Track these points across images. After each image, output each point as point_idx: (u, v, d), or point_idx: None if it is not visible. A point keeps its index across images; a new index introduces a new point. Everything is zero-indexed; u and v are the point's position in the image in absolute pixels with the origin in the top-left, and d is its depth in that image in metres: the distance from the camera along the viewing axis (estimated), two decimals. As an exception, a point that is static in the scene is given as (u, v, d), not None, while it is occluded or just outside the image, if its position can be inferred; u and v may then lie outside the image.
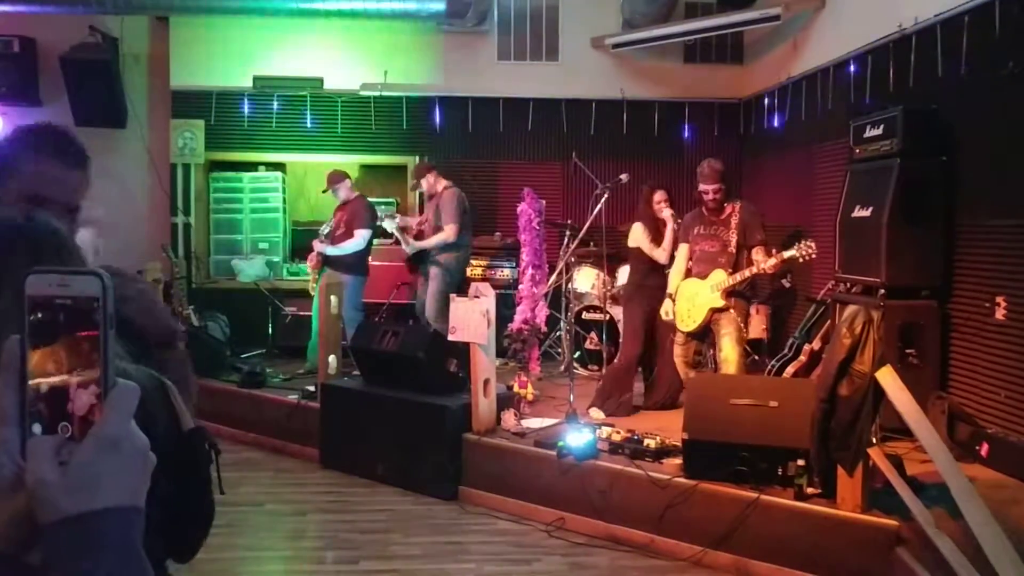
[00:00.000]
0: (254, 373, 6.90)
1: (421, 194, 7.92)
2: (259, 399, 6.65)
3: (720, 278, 5.46)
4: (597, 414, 5.90)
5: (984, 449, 4.66)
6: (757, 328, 7.33)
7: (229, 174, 9.20)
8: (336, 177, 7.41)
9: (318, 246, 7.28)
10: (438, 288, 6.91)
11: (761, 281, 7.14)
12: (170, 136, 8.95)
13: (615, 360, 6.52)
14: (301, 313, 7.96)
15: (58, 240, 1.25)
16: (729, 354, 5.49)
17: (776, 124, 8.09)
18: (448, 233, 6.97)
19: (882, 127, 5.51)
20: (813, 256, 5.26)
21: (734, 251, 5.55)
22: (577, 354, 7.43)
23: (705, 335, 5.73)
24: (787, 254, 5.26)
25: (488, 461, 5.24)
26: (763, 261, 5.34)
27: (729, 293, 5.45)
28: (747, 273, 5.41)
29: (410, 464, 5.50)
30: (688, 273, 5.73)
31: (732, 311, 5.48)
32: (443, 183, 7.26)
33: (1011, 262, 4.81)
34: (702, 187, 5.58)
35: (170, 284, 8.14)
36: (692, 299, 5.61)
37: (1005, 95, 4.86)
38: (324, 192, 7.56)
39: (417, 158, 9.06)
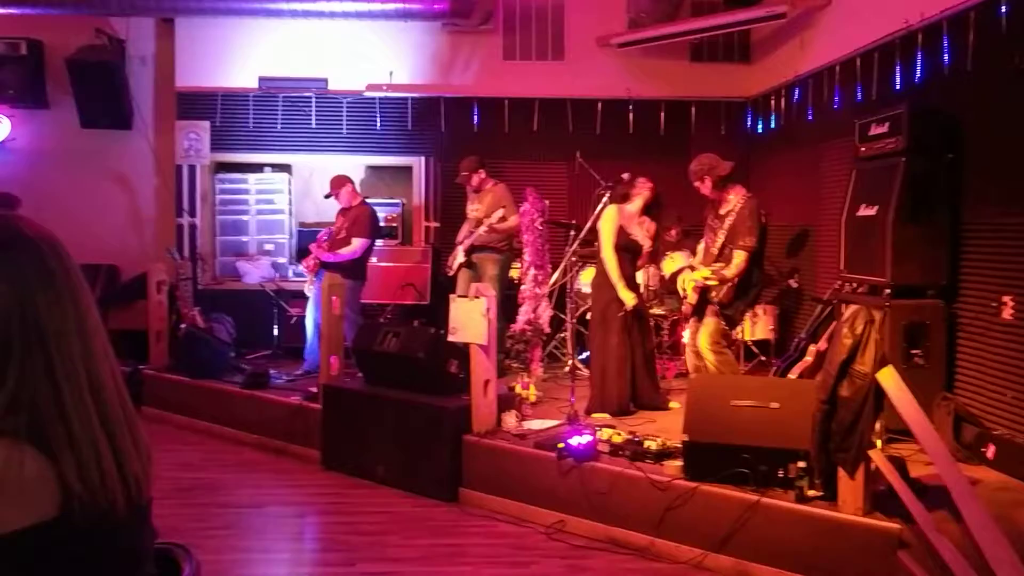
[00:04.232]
0: (256, 374, 6.88)
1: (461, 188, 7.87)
2: (262, 400, 6.63)
3: (700, 275, 5.76)
4: (601, 415, 5.84)
5: (990, 451, 4.59)
6: (764, 329, 7.27)
7: (235, 175, 9.20)
8: (337, 182, 7.45)
9: (315, 250, 7.29)
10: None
11: (769, 280, 7.11)
12: (176, 137, 8.96)
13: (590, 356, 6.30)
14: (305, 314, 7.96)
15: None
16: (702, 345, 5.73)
17: (783, 122, 8.02)
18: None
19: (887, 125, 5.45)
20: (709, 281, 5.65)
21: (716, 252, 5.73)
22: (583, 356, 7.38)
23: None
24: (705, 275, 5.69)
25: (488, 463, 5.20)
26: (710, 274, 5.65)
27: (701, 293, 5.77)
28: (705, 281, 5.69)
29: (410, 466, 5.47)
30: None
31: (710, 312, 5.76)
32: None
33: (1018, 261, 4.74)
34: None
35: (176, 286, 8.15)
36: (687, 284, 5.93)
37: (1011, 91, 4.79)
38: (327, 197, 7.56)
39: (423, 159, 9.06)
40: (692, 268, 6.10)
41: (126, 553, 1.38)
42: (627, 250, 6.01)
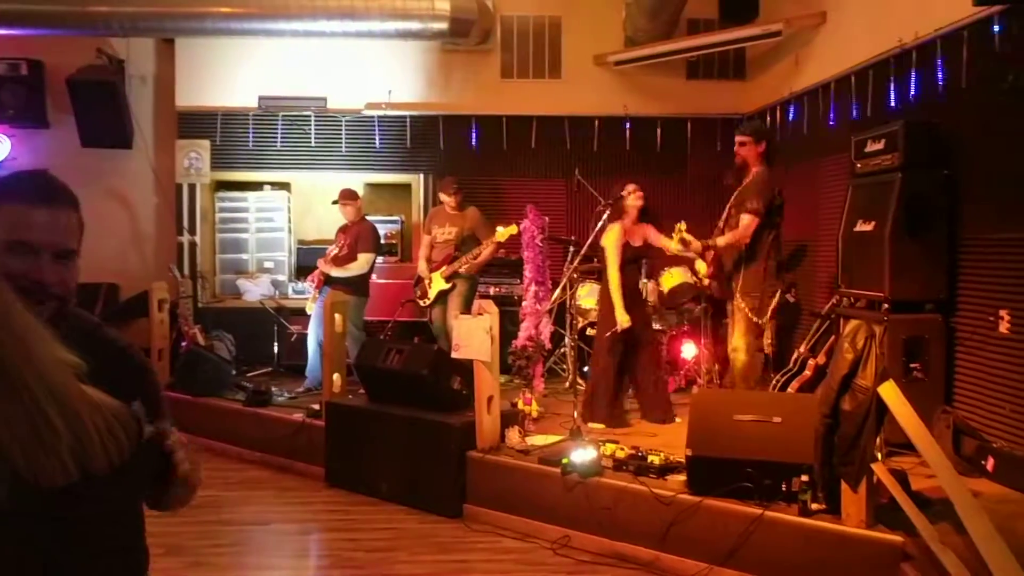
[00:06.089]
0: (259, 392, 6.91)
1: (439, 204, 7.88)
2: (265, 418, 6.66)
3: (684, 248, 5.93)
4: (598, 426, 5.90)
5: (990, 463, 4.64)
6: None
7: (235, 193, 9.25)
8: (351, 194, 7.49)
9: (323, 266, 7.33)
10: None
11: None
12: (176, 156, 9.01)
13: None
14: (306, 332, 7.98)
15: None
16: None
17: (778, 139, 8.09)
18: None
19: (883, 141, 5.52)
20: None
21: (721, 225, 6.02)
22: (585, 370, 7.42)
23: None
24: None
25: (493, 478, 5.23)
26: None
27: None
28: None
29: (415, 482, 5.50)
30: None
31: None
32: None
33: (1014, 275, 4.80)
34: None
35: (176, 304, 8.18)
36: None
37: (1005, 108, 4.87)
38: (333, 203, 7.58)
39: (422, 176, 9.12)
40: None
41: None
42: (632, 260, 6.11)
